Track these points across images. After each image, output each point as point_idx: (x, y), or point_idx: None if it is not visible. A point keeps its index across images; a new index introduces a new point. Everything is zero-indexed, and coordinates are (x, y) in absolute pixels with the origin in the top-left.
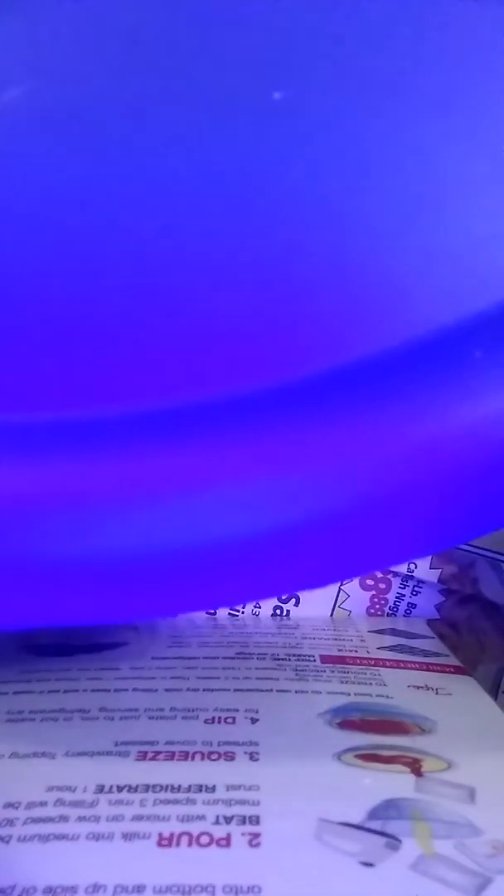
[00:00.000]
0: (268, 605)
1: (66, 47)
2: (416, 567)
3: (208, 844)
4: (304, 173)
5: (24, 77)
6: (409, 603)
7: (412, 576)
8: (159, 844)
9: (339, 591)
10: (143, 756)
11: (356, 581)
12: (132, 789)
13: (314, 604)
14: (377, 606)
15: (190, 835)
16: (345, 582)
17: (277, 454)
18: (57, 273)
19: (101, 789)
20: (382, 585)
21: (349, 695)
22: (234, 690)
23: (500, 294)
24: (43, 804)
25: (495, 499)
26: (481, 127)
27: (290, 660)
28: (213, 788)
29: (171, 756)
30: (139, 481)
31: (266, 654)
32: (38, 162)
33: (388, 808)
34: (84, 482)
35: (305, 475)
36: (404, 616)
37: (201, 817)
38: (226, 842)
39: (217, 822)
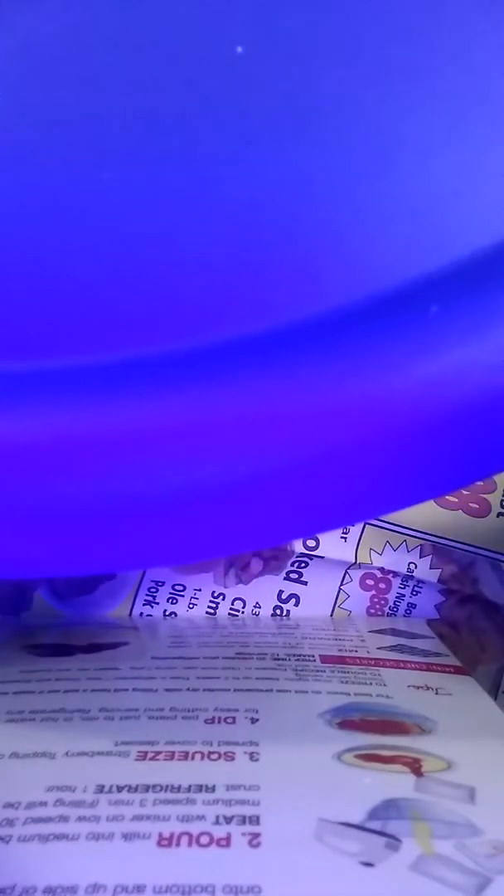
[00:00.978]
0: (268, 605)
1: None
2: (416, 567)
3: (208, 844)
4: (260, 130)
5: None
6: (409, 603)
7: (412, 576)
8: (159, 844)
9: (339, 591)
10: (143, 756)
11: (356, 581)
12: (132, 789)
13: (314, 604)
14: (377, 606)
15: (190, 835)
16: (345, 581)
17: (233, 407)
18: (29, 228)
19: (101, 789)
20: (382, 585)
21: (349, 695)
22: (234, 690)
23: (458, 250)
24: (43, 804)
25: (449, 457)
26: (444, 85)
27: (290, 660)
28: (213, 788)
29: (171, 756)
30: (103, 431)
31: (266, 654)
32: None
33: (388, 808)
34: (61, 431)
35: (256, 428)
36: (404, 616)
37: (201, 817)
38: (226, 842)
39: (217, 822)
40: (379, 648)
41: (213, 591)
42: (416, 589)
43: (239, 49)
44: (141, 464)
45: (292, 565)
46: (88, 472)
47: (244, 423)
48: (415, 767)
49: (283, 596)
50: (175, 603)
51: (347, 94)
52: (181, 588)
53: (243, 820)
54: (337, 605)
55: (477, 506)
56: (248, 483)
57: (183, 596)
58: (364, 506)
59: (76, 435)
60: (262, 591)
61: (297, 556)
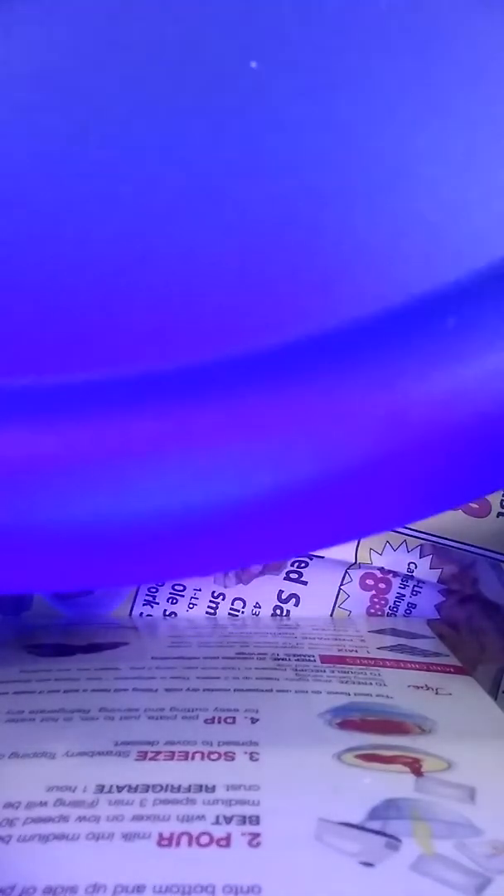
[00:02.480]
0: (268, 605)
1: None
2: (416, 567)
3: (208, 844)
4: (278, 144)
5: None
6: (409, 603)
7: (412, 576)
8: (159, 844)
9: (339, 591)
10: (143, 756)
11: (356, 581)
12: (132, 789)
13: (314, 604)
14: (377, 606)
15: (190, 835)
16: (345, 581)
17: (250, 420)
18: (31, 239)
19: (101, 789)
20: (382, 585)
21: (349, 695)
22: (234, 690)
23: (474, 263)
24: (43, 804)
25: (466, 469)
26: (455, 97)
27: (290, 660)
28: (213, 788)
29: (171, 756)
30: (116, 446)
31: (266, 654)
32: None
33: (388, 808)
34: (63, 447)
35: (275, 442)
36: (404, 616)
37: (201, 817)
38: (226, 842)
39: (217, 822)
40: (379, 648)
41: (213, 591)
42: (416, 589)
43: (253, 64)
44: (146, 479)
45: (292, 565)
46: (93, 488)
47: (255, 437)
48: (415, 767)
49: (283, 596)
50: (175, 603)
51: (362, 107)
52: (181, 588)
53: (243, 820)
54: (337, 605)
55: (477, 506)
56: (259, 498)
57: (183, 596)
58: (379, 518)
59: (81, 450)
60: (262, 591)
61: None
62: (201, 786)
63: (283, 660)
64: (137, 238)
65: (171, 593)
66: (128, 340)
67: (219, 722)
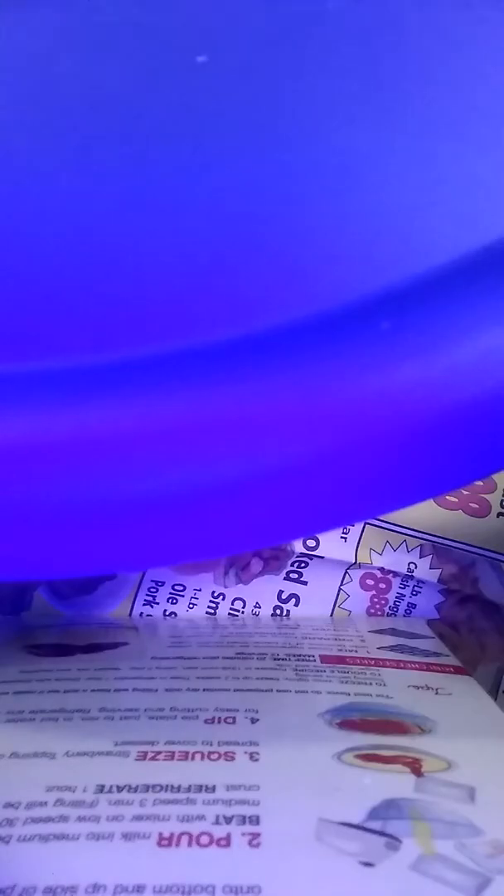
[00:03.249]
0: (268, 605)
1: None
2: (416, 567)
3: (208, 844)
4: (220, 144)
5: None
6: (409, 603)
7: (412, 576)
8: (159, 844)
9: (339, 591)
10: (143, 756)
11: (356, 581)
12: (132, 789)
13: (314, 604)
14: (377, 606)
15: (190, 835)
16: (345, 581)
17: (182, 418)
18: (23, 226)
19: (101, 789)
20: (382, 585)
21: (349, 695)
22: (234, 690)
23: (412, 267)
24: (43, 804)
25: (398, 473)
26: (401, 99)
27: (290, 660)
28: (213, 788)
29: (171, 756)
30: (105, 433)
31: (266, 654)
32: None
33: (388, 808)
34: (58, 432)
35: (205, 440)
36: (404, 616)
37: (201, 817)
38: (226, 842)
39: (217, 822)
40: (379, 648)
41: (213, 591)
42: (416, 589)
43: (200, 58)
44: (137, 464)
45: (292, 565)
46: (86, 473)
47: (233, 424)
48: (415, 767)
49: (283, 596)
50: (175, 603)
51: (310, 108)
52: (181, 588)
53: (243, 820)
54: (337, 605)
55: (477, 506)
56: (242, 483)
57: (183, 596)
58: (318, 517)
59: (73, 436)
60: (262, 591)
61: (297, 556)
62: (201, 786)
63: (283, 660)
64: (113, 227)
65: (171, 593)
66: (107, 327)
67: (219, 722)
